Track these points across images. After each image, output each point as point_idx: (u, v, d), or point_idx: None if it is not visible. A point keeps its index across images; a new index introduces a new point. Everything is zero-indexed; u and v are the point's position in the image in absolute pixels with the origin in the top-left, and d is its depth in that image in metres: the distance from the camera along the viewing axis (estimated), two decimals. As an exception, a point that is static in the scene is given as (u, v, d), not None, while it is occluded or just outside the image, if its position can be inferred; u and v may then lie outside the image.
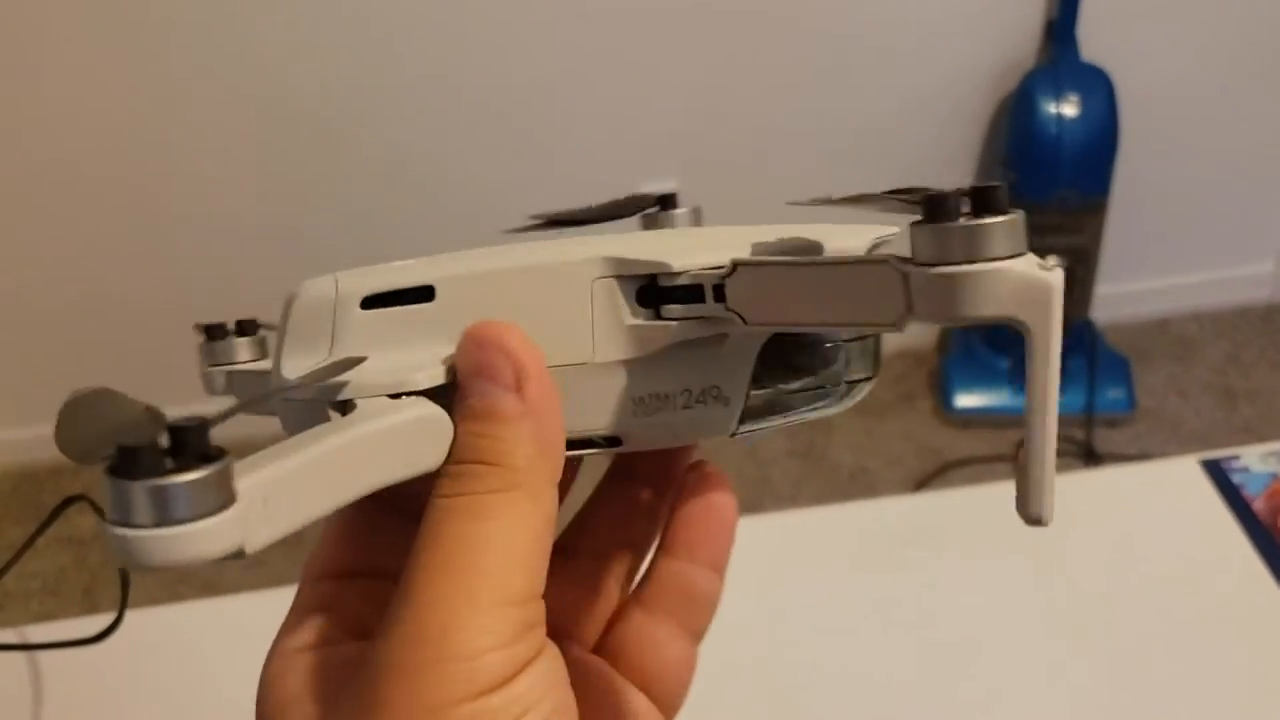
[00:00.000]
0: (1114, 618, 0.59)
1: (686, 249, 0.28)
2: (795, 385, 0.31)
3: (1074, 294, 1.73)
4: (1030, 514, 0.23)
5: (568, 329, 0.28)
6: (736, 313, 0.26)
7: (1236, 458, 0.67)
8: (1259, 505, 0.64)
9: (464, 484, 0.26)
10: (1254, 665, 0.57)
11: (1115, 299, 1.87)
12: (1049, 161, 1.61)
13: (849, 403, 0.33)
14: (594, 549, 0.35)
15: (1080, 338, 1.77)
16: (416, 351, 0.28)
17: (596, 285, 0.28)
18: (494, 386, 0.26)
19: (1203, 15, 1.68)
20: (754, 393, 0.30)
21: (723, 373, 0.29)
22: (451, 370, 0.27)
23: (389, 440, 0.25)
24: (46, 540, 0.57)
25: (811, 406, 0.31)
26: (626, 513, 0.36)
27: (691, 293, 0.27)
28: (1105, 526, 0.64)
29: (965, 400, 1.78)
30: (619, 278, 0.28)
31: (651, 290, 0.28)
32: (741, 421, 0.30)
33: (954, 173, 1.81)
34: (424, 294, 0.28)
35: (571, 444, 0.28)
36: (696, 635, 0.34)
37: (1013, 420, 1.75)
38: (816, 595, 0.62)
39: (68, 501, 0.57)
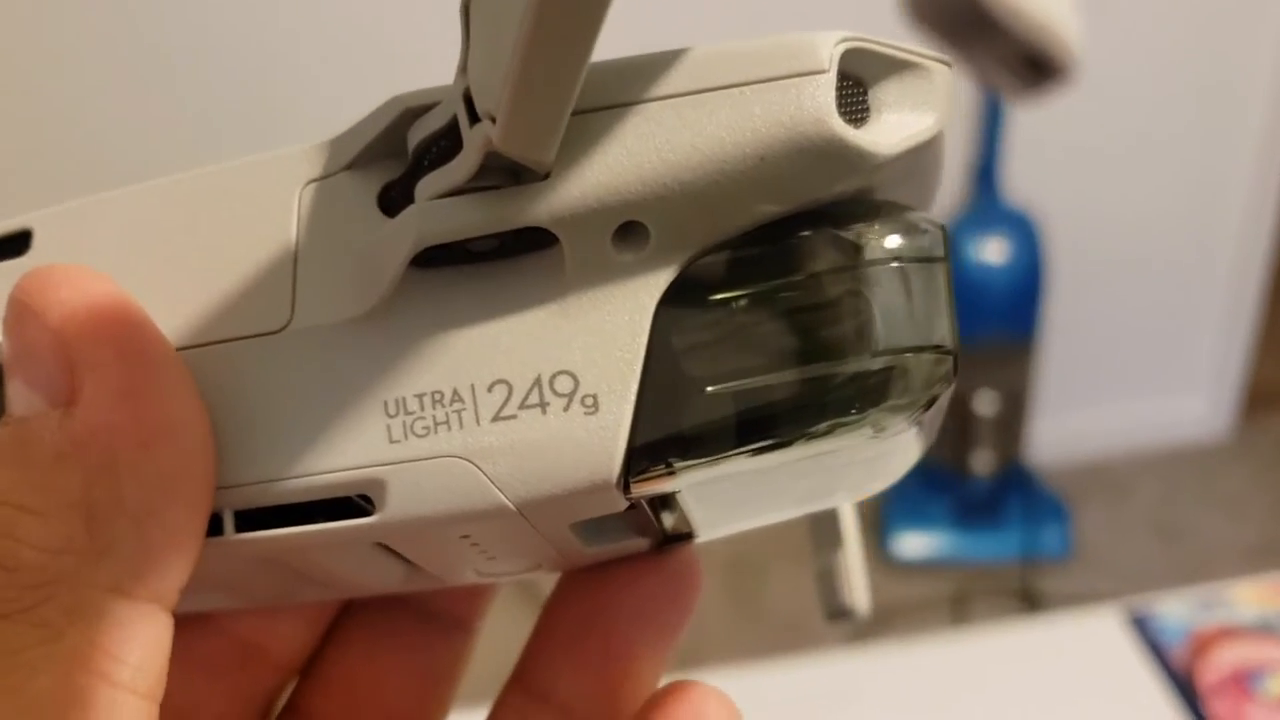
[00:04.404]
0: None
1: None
2: (758, 380, 0.15)
3: (1008, 435, 1.72)
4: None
5: (244, 277, 0.16)
6: (519, 156, 0.14)
7: (1158, 608, 0.65)
8: (1178, 653, 0.62)
9: None
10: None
11: (1051, 439, 1.87)
12: (975, 306, 1.62)
13: (893, 427, 0.16)
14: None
15: (1016, 480, 1.76)
16: None
17: (310, 192, 0.16)
18: (28, 392, 0.15)
19: (1122, 151, 1.72)
20: (658, 392, 0.15)
21: (576, 338, 0.15)
22: None
23: None
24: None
25: (797, 435, 0.15)
26: (399, 661, 0.24)
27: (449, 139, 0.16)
28: (1037, 682, 0.63)
29: (906, 547, 1.76)
30: (353, 168, 0.16)
31: (403, 181, 0.16)
32: (639, 462, 0.15)
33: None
34: (19, 242, 0.18)
35: (254, 517, 0.16)
36: None
37: (955, 567, 1.72)
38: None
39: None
